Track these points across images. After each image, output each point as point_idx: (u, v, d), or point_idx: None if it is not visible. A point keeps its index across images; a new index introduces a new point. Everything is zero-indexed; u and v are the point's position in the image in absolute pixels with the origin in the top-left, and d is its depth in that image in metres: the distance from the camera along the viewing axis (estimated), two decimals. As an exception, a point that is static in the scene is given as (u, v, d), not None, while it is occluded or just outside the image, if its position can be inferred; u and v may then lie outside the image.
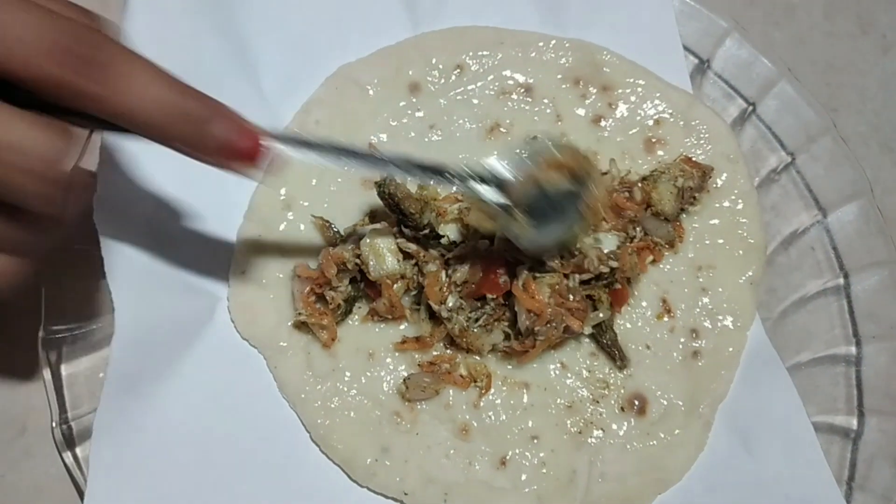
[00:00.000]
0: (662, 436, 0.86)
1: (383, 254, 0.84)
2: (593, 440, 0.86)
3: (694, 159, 0.93)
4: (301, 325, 0.88)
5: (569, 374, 0.88)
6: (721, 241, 0.92)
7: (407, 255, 0.85)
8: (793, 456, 0.84)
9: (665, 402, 0.88)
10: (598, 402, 0.88)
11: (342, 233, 0.91)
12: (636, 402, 0.88)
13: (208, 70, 0.92)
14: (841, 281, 0.94)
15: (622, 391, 0.88)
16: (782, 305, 0.95)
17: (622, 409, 0.88)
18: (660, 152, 0.95)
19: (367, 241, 0.84)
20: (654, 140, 0.96)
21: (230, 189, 0.92)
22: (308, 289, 0.86)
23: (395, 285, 0.85)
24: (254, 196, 0.93)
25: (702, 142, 0.95)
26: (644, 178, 0.91)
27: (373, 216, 0.91)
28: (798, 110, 0.99)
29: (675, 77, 0.99)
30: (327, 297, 0.86)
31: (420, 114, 0.96)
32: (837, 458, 0.87)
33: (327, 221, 0.91)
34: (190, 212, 0.89)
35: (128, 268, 0.83)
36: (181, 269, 0.87)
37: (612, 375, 0.89)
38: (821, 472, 0.84)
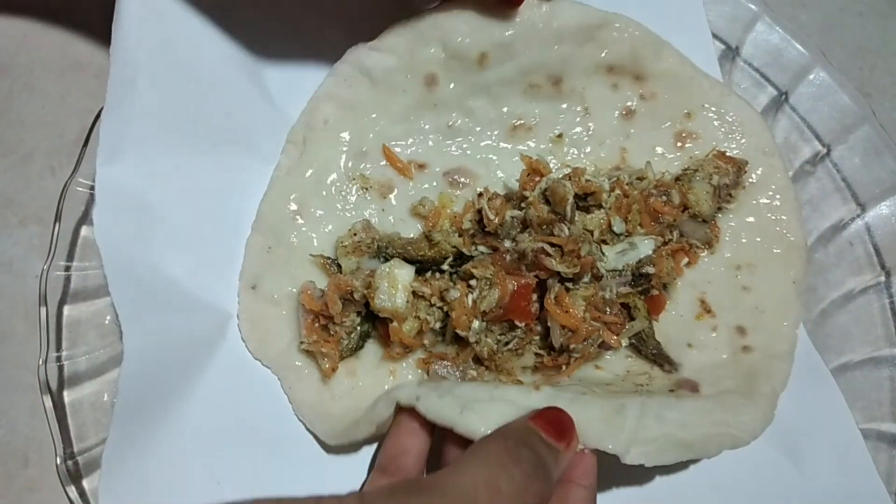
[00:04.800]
0: (725, 401, 0.76)
1: (397, 287, 0.77)
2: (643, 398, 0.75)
3: (728, 154, 0.87)
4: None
5: (606, 373, 0.83)
6: (759, 239, 0.87)
7: (420, 297, 0.79)
8: (841, 467, 0.80)
9: (719, 390, 0.79)
10: (642, 385, 0.80)
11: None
12: (686, 387, 0.80)
13: (208, 70, 0.86)
14: (882, 279, 0.90)
15: (668, 380, 0.81)
16: (822, 305, 0.90)
17: (671, 391, 0.79)
18: (689, 145, 0.89)
19: (388, 268, 0.78)
20: (684, 134, 0.89)
21: (235, 198, 0.86)
22: (312, 317, 0.81)
23: (405, 326, 0.78)
24: (261, 205, 0.87)
25: (735, 135, 0.89)
26: (678, 178, 0.86)
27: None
28: (833, 98, 0.94)
29: (704, 65, 0.93)
30: (331, 330, 0.80)
31: (438, 109, 0.88)
32: (885, 466, 0.83)
33: (328, 258, 0.85)
34: (195, 225, 0.83)
35: (133, 286, 0.78)
36: (189, 286, 0.81)
37: (656, 369, 0.83)
38: (871, 483, 0.80)
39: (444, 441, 0.71)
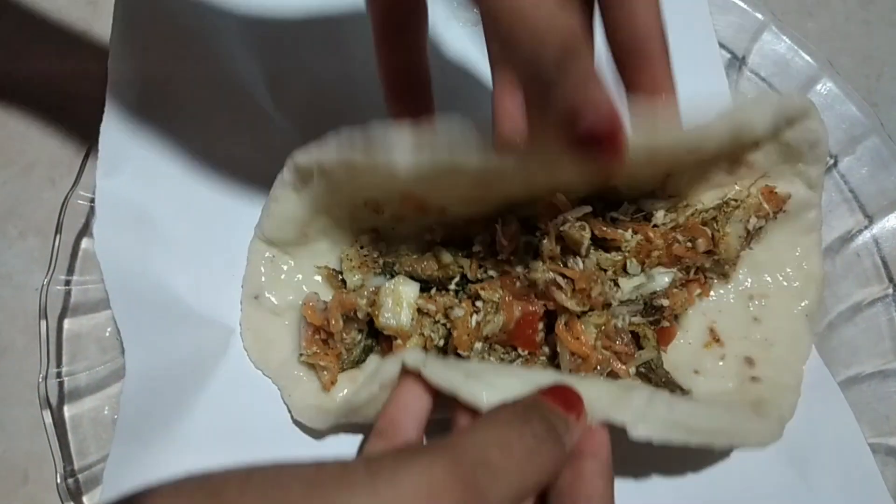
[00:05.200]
0: (735, 410, 0.75)
1: (402, 304, 0.76)
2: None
3: (775, 190, 0.78)
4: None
5: None
6: (776, 269, 0.83)
7: (425, 314, 0.77)
8: (849, 481, 0.79)
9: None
10: None
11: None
12: None
13: (212, 90, 0.86)
14: (890, 291, 0.89)
15: None
16: (829, 317, 0.89)
17: None
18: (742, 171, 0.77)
19: (392, 285, 0.77)
20: (741, 158, 0.77)
21: (239, 207, 0.86)
22: (313, 330, 0.79)
23: (408, 344, 0.77)
24: (264, 212, 0.85)
25: (790, 164, 0.77)
26: (714, 218, 0.78)
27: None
28: (841, 108, 0.93)
29: (711, 74, 0.93)
30: (331, 344, 0.79)
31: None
32: (894, 481, 0.81)
33: (334, 270, 0.83)
34: (197, 237, 0.83)
35: (135, 301, 0.77)
36: (191, 299, 0.81)
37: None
38: (880, 498, 0.79)
39: (452, 411, 0.69)
